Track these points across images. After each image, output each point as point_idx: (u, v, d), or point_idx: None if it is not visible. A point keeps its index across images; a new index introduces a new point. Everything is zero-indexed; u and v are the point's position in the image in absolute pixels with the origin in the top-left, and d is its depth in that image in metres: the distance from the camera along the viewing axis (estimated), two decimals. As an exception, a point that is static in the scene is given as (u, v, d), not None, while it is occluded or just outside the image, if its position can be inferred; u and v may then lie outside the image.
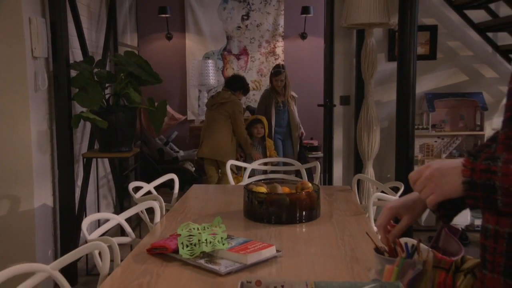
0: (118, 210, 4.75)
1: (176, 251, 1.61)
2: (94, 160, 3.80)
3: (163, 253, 1.64)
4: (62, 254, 3.36)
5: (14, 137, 3.00)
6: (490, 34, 4.49)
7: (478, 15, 4.43)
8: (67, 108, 3.27)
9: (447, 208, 1.14)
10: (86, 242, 3.63)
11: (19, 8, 2.89)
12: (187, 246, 1.60)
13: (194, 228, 1.69)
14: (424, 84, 4.59)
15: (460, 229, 1.36)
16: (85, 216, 3.67)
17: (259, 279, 1.17)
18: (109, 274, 1.55)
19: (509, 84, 0.98)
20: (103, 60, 3.55)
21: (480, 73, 4.67)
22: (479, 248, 1.04)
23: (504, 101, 0.99)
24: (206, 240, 1.61)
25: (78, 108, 3.53)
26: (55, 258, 3.36)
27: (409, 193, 1.26)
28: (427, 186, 1.01)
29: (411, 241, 1.30)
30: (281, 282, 1.17)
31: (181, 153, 5.78)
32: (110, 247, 1.57)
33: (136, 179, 4.93)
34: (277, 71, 4.91)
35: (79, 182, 3.70)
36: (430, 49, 4.66)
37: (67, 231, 3.39)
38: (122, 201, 4.58)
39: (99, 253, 1.62)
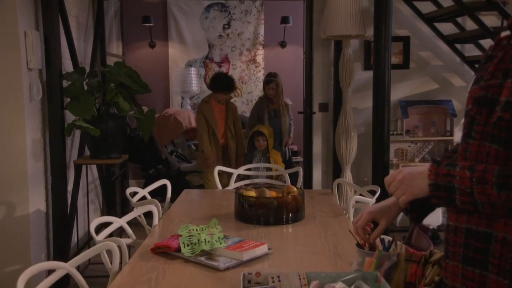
0: (105, 214, 4.88)
1: (178, 249, 1.79)
2: (83, 166, 3.93)
3: (166, 252, 1.82)
4: (55, 257, 3.50)
5: (10, 145, 3.13)
6: (458, 46, 4.77)
7: (447, 28, 4.71)
8: (60, 117, 3.40)
9: (418, 211, 1.36)
10: (77, 244, 3.75)
11: (16, 22, 3.02)
12: (188, 245, 1.78)
13: (193, 229, 1.87)
14: (398, 92, 4.84)
15: (430, 227, 1.57)
16: (76, 221, 3.80)
17: (259, 271, 1.37)
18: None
19: (466, 107, 1.20)
20: (94, 71, 3.69)
21: (449, 81, 4.95)
22: (444, 242, 1.25)
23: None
24: (205, 239, 1.80)
25: (68, 116, 3.65)
26: (48, 260, 3.48)
27: (385, 199, 1.46)
28: (400, 188, 1.22)
29: (387, 238, 1.51)
30: (278, 274, 1.36)
31: (194, 163, 5.54)
32: (118, 247, 1.74)
33: (123, 185, 5.08)
34: (269, 79, 5.01)
35: (69, 188, 3.83)
36: (403, 58, 4.92)
37: (60, 235, 3.51)
38: (110, 206, 4.72)
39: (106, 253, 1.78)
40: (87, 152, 4.05)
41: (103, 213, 4.88)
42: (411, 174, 1.19)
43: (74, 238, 3.85)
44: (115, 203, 4.85)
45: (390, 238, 1.51)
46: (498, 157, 1.06)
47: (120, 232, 3.52)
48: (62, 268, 1.56)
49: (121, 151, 3.82)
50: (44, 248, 3.46)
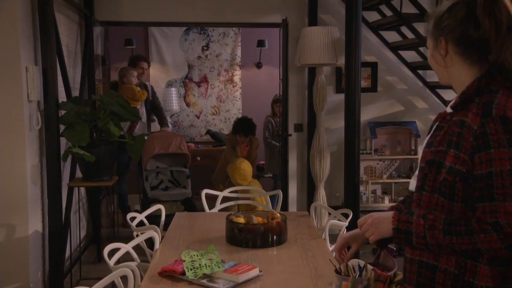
0: (91, 230, 5.11)
1: (183, 273, 2.09)
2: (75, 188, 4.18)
3: (171, 275, 2.12)
4: (50, 275, 3.72)
5: (12, 171, 3.37)
6: (420, 72, 5.22)
7: (410, 55, 5.15)
8: (56, 144, 3.65)
9: (382, 241, 1.70)
10: (70, 259, 3.97)
11: (18, 58, 3.28)
12: (191, 269, 2.09)
13: (194, 255, 2.18)
14: (367, 113, 5.24)
15: (394, 248, 1.93)
16: (70, 239, 4.04)
17: (257, 294, 1.69)
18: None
19: (420, 163, 1.54)
20: (87, 100, 3.95)
21: (413, 104, 5.38)
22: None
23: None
24: (205, 264, 2.11)
25: (63, 140, 3.88)
26: (44, 279, 3.72)
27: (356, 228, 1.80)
28: (370, 230, 1.57)
29: (361, 262, 1.85)
30: (273, 296, 1.69)
31: (172, 191, 5.13)
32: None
33: (108, 203, 5.32)
34: (278, 98, 5.65)
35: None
36: (371, 83, 5.33)
37: (54, 254, 3.74)
38: (97, 223, 4.96)
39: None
40: (78, 173, 4.29)
41: (88, 229, 5.10)
42: (379, 219, 1.54)
43: (67, 254, 4.09)
44: (100, 222, 5.08)
45: (363, 263, 1.85)
46: (444, 207, 1.41)
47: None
48: (88, 292, 1.84)
49: (111, 173, 4.09)
50: (41, 267, 3.69)
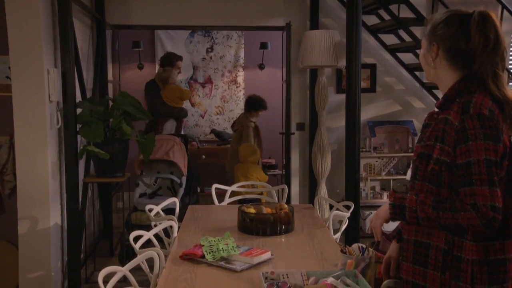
0: (102, 223, 5.33)
1: (203, 256, 2.32)
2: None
3: (192, 258, 2.35)
4: (69, 265, 3.94)
5: (35, 167, 3.59)
6: (417, 73, 5.45)
7: (408, 57, 5.38)
8: (74, 142, 3.87)
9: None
10: (85, 249, 4.16)
11: (41, 62, 3.51)
12: (209, 253, 2.32)
13: (212, 240, 2.41)
14: (367, 113, 5.46)
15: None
16: (85, 232, 4.27)
17: (273, 271, 1.92)
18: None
19: (413, 157, 1.78)
20: (102, 100, 4.18)
21: (411, 104, 5.61)
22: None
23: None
24: (222, 248, 2.34)
25: (78, 138, 4.10)
26: (63, 268, 3.94)
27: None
28: (374, 219, 1.80)
29: (363, 245, 2.08)
30: (286, 272, 1.92)
31: (154, 201, 4.50)
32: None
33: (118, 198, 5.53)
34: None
35: (77, 203, 4.29)
36: (370, 83, 5.56)
37: (72, 246, 3.95)
38: (108, 216, 5.19)
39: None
40: (92, 169, 4.52)
41: (99, 221, 5.32)
42: (380, 208, 1.78)
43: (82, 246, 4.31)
44: (111, 217, 5.30)
45: (364, 246, 2.09)
46: (432, 192, 1.65)
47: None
48: (120, 271, 2.07)
49: (124, 170, 4.31)
50: (60, 257, 3.91)
